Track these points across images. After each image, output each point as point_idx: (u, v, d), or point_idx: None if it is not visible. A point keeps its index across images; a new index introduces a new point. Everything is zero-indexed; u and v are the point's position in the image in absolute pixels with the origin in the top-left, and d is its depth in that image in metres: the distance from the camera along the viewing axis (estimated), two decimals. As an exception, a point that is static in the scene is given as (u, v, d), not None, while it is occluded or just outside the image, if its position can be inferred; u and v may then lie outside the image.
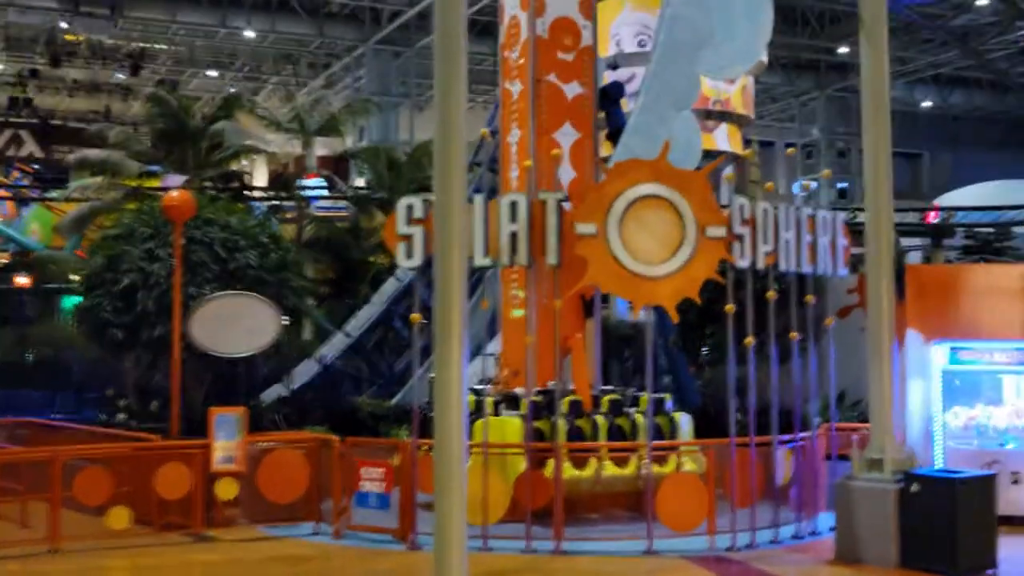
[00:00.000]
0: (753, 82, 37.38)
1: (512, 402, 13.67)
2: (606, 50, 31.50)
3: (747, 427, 12.01)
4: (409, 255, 11.49)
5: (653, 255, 11.38)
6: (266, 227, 18.05)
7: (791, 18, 49.70)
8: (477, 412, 12.96)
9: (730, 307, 11.68)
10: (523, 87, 14.64)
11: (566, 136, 14.45)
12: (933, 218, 33.61)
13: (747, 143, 35.22)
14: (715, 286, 11.68)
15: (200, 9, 41.26)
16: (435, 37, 8.32)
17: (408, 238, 11.48)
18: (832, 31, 54.02)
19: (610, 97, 15.45)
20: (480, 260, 11.51)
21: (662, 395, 14.47)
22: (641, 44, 33.97)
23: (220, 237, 16.56)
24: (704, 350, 18.94)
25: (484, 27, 41.02)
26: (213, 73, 51.31)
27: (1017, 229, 30.21)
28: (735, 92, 35.41)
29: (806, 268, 12.23)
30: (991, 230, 30.04)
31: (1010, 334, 12.91)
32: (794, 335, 12.26)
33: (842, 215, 12.56)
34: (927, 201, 46.58)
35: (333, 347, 21.01)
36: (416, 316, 11.89)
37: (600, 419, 13.54)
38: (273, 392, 19.12)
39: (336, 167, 38.18)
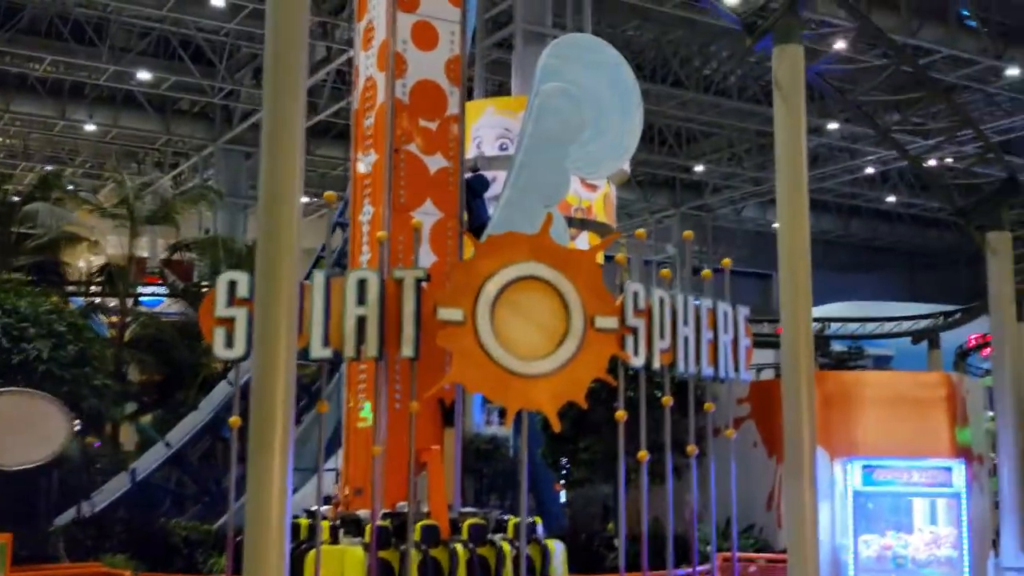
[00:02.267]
0: (615, 192, 36.69)
1: (354, 527, 11.32)
2: (467, 152, 30.47)
3: (633, 557, 10.02)
4: (229, 344, 9.20)
5: (531, 349, 9.41)
6: (68, 316, 15.32)
7: (648, 135, 49.73)
8: (310, 539, 10.65)
9: (621, 413, 9.75)
10: (378, 157, 12.68)
11: (427, 215, 12.49)
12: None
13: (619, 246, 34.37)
14: (591, 390, 9.79)
15: (37, 99, 38.49)
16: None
17: (229, 322, 9.19)
18: (689, 150, 54.42)
19: (474, 191, 13.76)
20: (319, 351, 9.31)
21: (532, 519, 12.34)
22: (503, 148, 32.85)
23: (2, 323, 13.80)
24: (566, 466, 16.96)
25: (340, 132, 39.43)
26: (50, 168, 48.16)
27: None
28: (597, 200, 34.56)
29: (706, 370, 10.44)
30: (844, 348, 29.63)
31: (932, 451, 11.35)
32: (692, 449, 10.39)
33: (744, 310, 10.91)
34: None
35: (149, 459, 18.23)
36: (236, 420, 9.54)
37: (460, 548, 11.30)
38: (71, 513, 16.20)
39: (182, 270, 35.55)
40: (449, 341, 9.29)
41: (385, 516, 10.88)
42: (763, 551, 12.55)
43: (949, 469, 11.08)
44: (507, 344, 9.31)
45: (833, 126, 46.81)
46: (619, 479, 9.90)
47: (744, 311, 11.03)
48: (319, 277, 9.35)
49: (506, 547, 11.35)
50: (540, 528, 12.33)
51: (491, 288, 9.37)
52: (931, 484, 11.14)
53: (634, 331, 9.78)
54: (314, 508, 12.26)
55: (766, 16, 10.15)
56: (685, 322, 10.26)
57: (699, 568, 10.46)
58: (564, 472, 17.29)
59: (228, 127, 41.58)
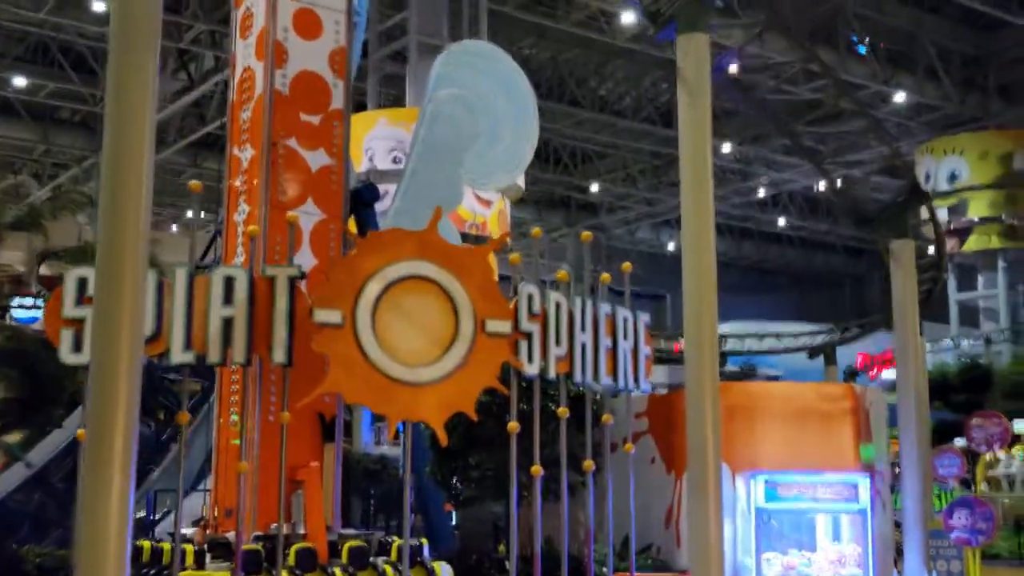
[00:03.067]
0: (509, 208, 36.20)
1: (224, 550, 10.35)
2: (359, 165, 29.88)
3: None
4: (78, 347, 8.23)
5: (417, 355, 8.63)
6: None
7: (544, 154, 49.48)
8: (172, 566, 9.69)
9: (513, 425, 9.03)
10: (255, 153, 11.77)
11: (308, 215, 11.60)
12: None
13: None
14: (482, 402, 9.08)
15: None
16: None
17: (78, 323, 8.22)
18: (584, 169, 54.33)
19: (363, 200, 12.96)
20: (179, 355, 8.39)
21: (418, 540, 11.52)
22: (395, 160, 32.25)
23: None
24: (456, 484, 16.12)
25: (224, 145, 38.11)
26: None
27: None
28: (491, 215, 34.10)
29: (605, 380, 9.78)
30: (736, 368, 29.60)
31: (837, 465, 10.88)
32: (589, 464, 9.71)
33: (645, 316, 10.31)
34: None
35: (7, 481, 16.88)
36: (82, 432, 8.53)
37: (339, 572, 10.41)
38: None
39: (51, 282, 33.76)
40: (326, 346, 8.45)
41: (257, 539, 9.98)
42: (661, 571, 11.94)
43: (855, 484, 10.60)
44: (390, 350, 8.52)
45: (727, 148, 47.16)
46: (511, 497, 9.17)
47: (644, 318, 10.42)
48: (181, 273, 8.44)
49: (389, 571, 10.49)
50: (427, 550, 11.53)
51: (373, 288, 8.57)
52: (836, 499, 10.65)
53: (528, 336, 9.08)
54: (184, 531, 11.32)
55: (671, 2, 9.58)
56: (583, 328, 9.60)
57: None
58: (455, 490, 16.49)
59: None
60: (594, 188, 53.83)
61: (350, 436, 20.43)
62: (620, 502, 10.06)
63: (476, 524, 16.34)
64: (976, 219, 39.80)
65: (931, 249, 21.11)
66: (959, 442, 18.41)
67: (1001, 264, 53.26)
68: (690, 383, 9.57)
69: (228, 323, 8.37)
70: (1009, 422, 12.14)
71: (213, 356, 8.38)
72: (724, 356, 21.70)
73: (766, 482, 10.71)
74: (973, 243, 39.41)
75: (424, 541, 11.69)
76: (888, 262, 11.98)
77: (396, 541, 10.66)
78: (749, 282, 66.02)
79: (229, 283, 8.45)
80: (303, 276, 8.78)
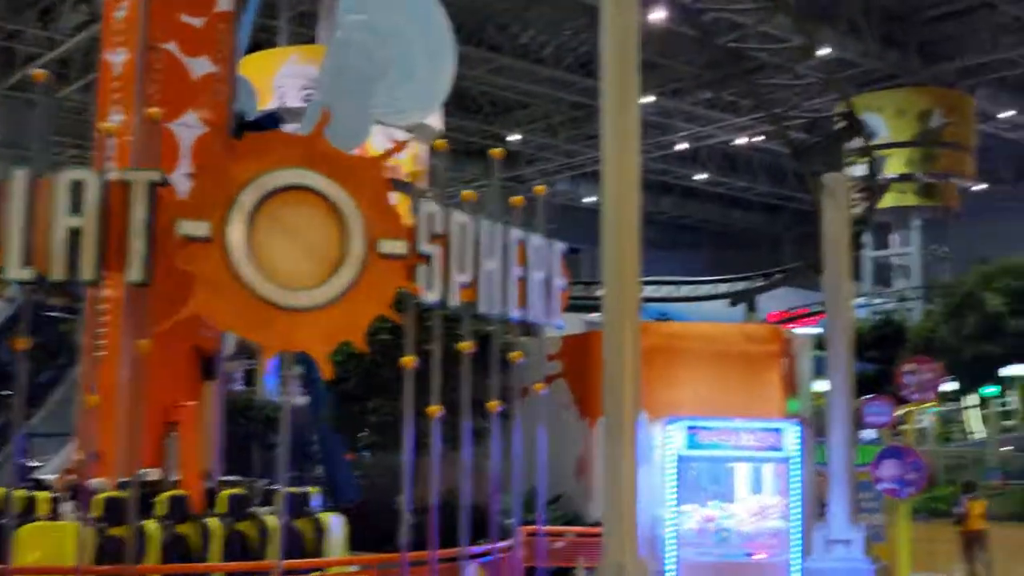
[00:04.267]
0: (426, 153, 35.05)
1: (85, 498, 9.22)
2: (268, 102, 28.65)
3: (422, 532, 8.35)
4: None
5: (298, 276, 7.54)
6: None
7: (462, 102, 48.23)
8: (28, 513, 8.60)
9: (410, 359, 8.02)
10: (129, 56, 10.51)
11: (188, 128, 10.43)
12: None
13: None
14: (381, 343, 8.09)
15: None
16: None
17: None
18: (505, 119, 53.21)
19: (263, 130, 11.87)
20: (17, 271, 7.19)
21: (305, 489, 10.49)
22: (307, 99, 30.93)
23: None
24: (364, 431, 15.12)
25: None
26: None
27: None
28: (406, 159, 32.96)
29: (514, 312, 8.80)
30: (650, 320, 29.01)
31: (762, 411, 10.09)
32: (494, 405, 8.75)
33: (561, 245, 9.35)
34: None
35: None
36: None
37: (214, 523, 9.35)
38: None
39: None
40: (191, 263, 7.32)
41: (122, 486, 8.89)
42: (572, 524, 11.11)
43: (779, 431, 9.82)
44: (266, 269, 7.41)
45: (649, 99, 46.39)
46: (406, 442, 8.18)
47: (560, 246, 9.47)
48: (20, 174, 7.23)
49: (271, 521, 9.47)
50: (316, 500, 10.51)
51: (248, 198, 7.44)
52: (761, 447, 9.85)
53: (428, 260, 8.05)
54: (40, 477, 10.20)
55: None
56: (491, 254, 8.60)
57: (499, 544, 8.86)
58: (360, 437, 15.50)
59: (9, 71, 37.70)
60: (514, 137, 52.77)
61: (253, 384, 19.27)
62: (529, 450, 9.15)
63: (383, 474, 15.35)
64: (893, 176, 39.62)
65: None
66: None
67: (916, 222, 53.60)
68: (608, 317, 8.64)
69: (75, 234, 7.18)
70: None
71: (57, 272, 7.18)
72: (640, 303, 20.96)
73: (687, 428, 9.86)
74: (889, 200, 39.26)
75: (313, 491, 10.69)
76: (818, 198, 11.23)
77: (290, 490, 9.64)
78: (666, 238, 65.83)
79: (77, 188, 7.24)
80: (165, 182, 7.60)
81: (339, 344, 7.84)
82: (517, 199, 9.48)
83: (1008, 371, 40.54)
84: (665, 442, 9.95)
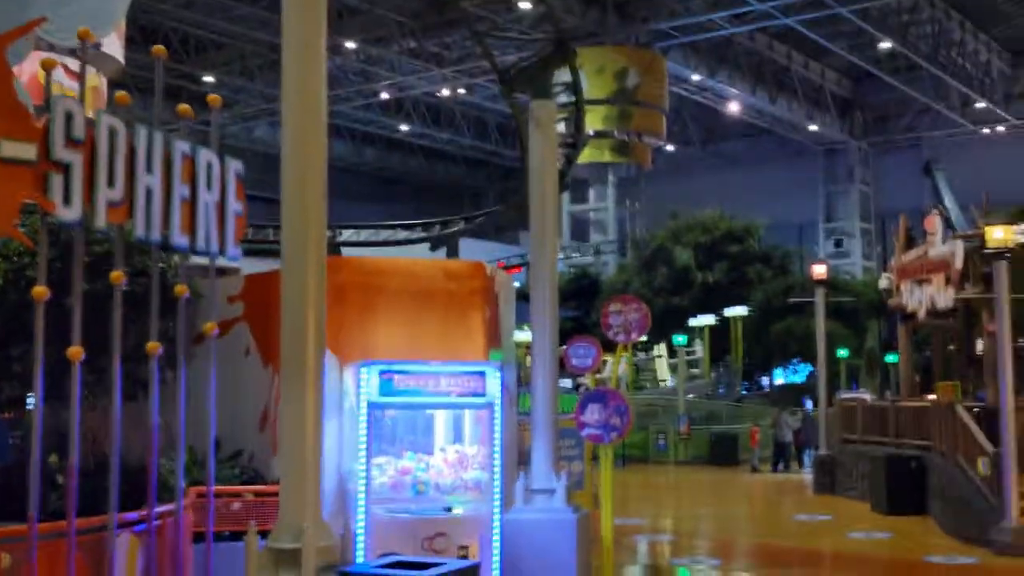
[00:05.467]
0: (106, 85, 32.08)
1: None
2: None
3: (83, 496, 6.98)
4: None
5: None
6: None
7: (151, 37, 44.90)
8: None
9: (41, 290, 6.56)
10: None
11: None
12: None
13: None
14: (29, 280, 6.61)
15: None
16: None
17: None
18: (199, 59, 50.18)
19: None
20: None
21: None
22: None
23: None
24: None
25: None
26: None
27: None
28: (87, 92, 29.95)
29: (178, 238, 7.47)
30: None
31: (464, 353, 9.26)
32: (154, 347, 7.41)
33: (236, 164, 8.07)
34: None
35: None
36: None
37: None
38: None
39: None
40: None
41: None
42: (253, 483, 9.92)
43: (483, 375, 9.03)
44: None
45: (351, 45, 44.94)
46: (36, 390, 6.73)
47: (236, 165, 8.18)
48: None
49: None
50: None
51: None
52: (463, 392, 9.02)
53: (65, 169, 6.57)
54: None
55: None
56: (149, 168, 7.22)
57: (158, 509, 7.53)
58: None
59: None
60: (208, 79, 49.88)
61: None
62: (201, 401, 7.87)
63: (47, 434, 13.46)
64: (591, 132, 40.30)
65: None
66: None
67: (611, 179, 55.27)
68: (287, 250, 7.52)
69: None
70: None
71: None
72: (338, 247, 19.86)
73: (381, 373, 8.88)
74: (586, 156, 39.94)
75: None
76: (523, 125, 10.58)
77: None
78: (368, 190, 64.80)
79: None
80: None
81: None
82: (184, 107, 8.12)
83: (695, 322, 42.65)
84: (355, 389, 8.94)
